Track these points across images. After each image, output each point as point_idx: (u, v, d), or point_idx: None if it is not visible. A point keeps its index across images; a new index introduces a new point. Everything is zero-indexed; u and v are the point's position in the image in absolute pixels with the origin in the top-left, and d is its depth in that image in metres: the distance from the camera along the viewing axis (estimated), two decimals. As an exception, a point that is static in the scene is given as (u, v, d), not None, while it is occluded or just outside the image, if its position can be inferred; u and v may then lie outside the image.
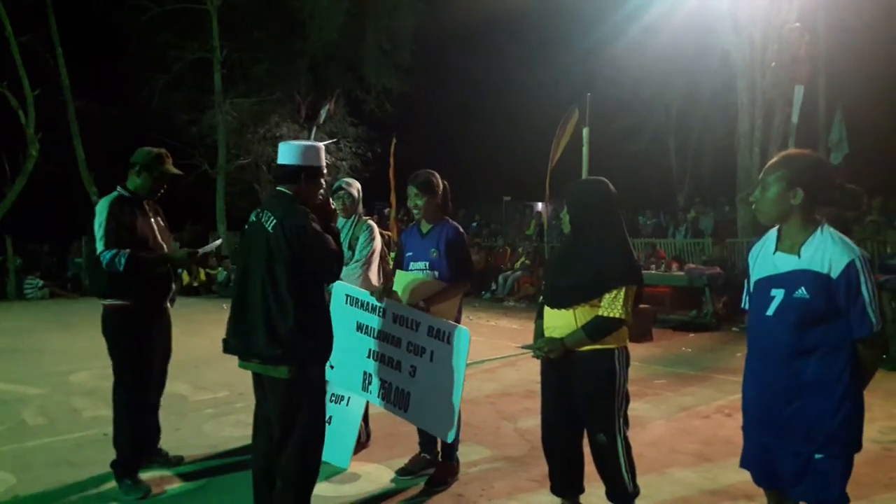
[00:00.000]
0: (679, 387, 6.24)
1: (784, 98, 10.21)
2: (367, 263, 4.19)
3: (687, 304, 10.80)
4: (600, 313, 2.96)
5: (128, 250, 3.65)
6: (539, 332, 3.21)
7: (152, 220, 3.96)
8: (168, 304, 4.06)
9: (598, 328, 2.96)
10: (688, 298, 10.84)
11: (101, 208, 3.74)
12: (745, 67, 11.81)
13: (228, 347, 3.18)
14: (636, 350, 8.25)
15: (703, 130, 19.37)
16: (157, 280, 3.91)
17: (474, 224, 19.53)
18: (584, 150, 8.23)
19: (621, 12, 14.83)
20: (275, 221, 3.01)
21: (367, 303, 3.95)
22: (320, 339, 3.12)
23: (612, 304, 2.95)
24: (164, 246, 3.96)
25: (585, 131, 8.32)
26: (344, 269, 4.07)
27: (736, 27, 11.63)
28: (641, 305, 8.97)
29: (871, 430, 4.68)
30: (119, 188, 3.90)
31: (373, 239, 4.22)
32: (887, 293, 7.63)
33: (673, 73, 18.04)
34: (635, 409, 5.28)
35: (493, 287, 14.59)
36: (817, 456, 2.27)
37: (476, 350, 7.70)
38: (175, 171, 4.03)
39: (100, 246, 3.65)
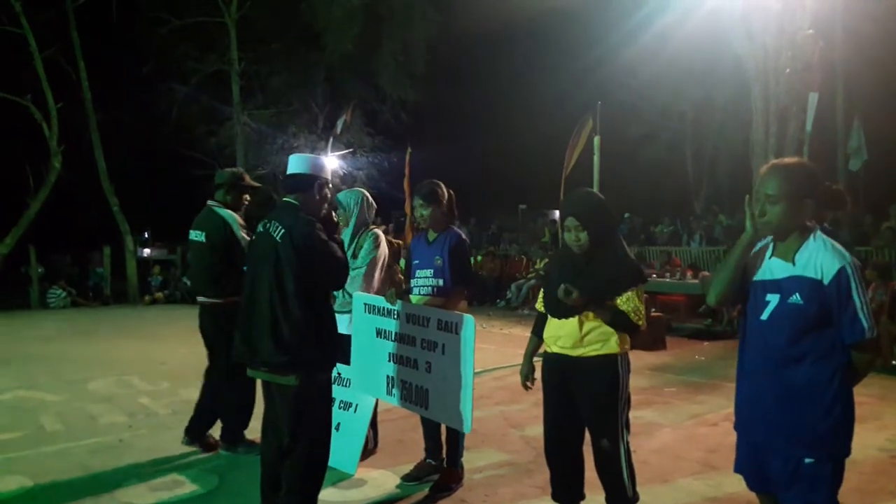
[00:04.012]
0: (689, 395, 6.22)
1: (798, 105, 10.12)
2: (369, 271, 4.24)
3: (701, 313, 10.73)
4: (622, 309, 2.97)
5: None
6: (533, 349, 3.34)
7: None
8: None
9: (621, 319, 2.96)
10: (702, 307, 10.77)
11: (232, 220, 4.50)
12: (758, 74, 11.72)
13: (237, 355, 3.25)
14: (648, 358, 8.26)
15: (719, 137, 19.21)
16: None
17: (489, 232, 19.55)
18: (595, 159, 8.25)
19: (634, 20, 14.83)
20: (283, 231, 3.08)
21: (384, 308, 4.03)
22: (327, 346, 3.18)
23: (627, 305, 2.97)
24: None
25: (596, 140, 8.34)
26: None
27: (749, 34, 11.57)
28: (654, 313, 8.91)
29: (880, 439, 4.67)
30: (218, 204, 4.56)
31: (376, 247, 4.27)
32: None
33: (687, 80, 17.95)
34: (643, 416, 5.29)
35: (508, 295, 14.61)
36: (807, 460, 2.28)
37: (487, 358, 7.77)
38: (253, 183, 4.88)
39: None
